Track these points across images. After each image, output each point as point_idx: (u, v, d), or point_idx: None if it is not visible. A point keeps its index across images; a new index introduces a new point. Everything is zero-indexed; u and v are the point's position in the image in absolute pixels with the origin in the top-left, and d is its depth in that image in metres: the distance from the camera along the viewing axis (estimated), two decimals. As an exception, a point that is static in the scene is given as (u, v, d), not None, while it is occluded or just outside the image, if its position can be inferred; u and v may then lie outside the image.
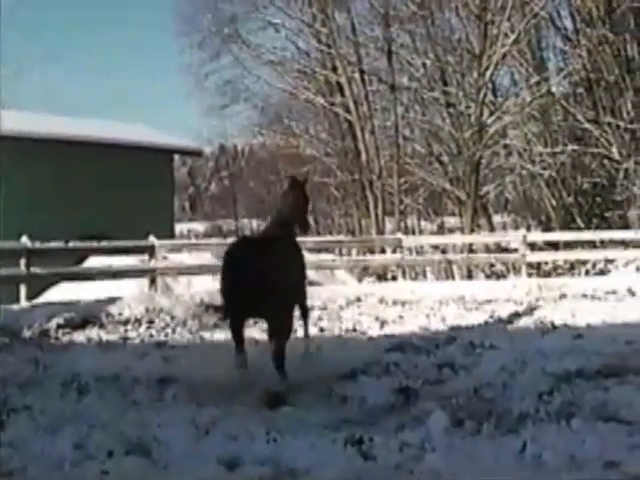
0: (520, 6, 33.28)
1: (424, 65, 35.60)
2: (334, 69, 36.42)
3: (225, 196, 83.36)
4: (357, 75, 36.18)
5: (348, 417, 7.29)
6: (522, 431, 6.41)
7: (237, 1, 37.77)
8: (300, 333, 9.88)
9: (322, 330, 12.94)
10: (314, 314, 13.71)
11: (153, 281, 18.75)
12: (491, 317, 14.31)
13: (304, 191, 10.33)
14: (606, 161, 33.32)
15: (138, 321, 14.88)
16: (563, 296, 18.32)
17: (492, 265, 29.08)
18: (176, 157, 40.97)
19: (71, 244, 18.18)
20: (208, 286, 16.53)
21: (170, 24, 73.47)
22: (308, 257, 15.51)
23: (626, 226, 30.75)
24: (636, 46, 34.03)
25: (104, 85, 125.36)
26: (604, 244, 26.83)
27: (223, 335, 12.55)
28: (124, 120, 39.55)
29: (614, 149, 32.14)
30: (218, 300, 16.57)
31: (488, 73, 32.30)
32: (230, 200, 79.33)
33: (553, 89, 35.14)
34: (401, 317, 14.26)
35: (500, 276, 27.93)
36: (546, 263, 28.11)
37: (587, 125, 32.84)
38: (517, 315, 14.39)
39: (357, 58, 36.34)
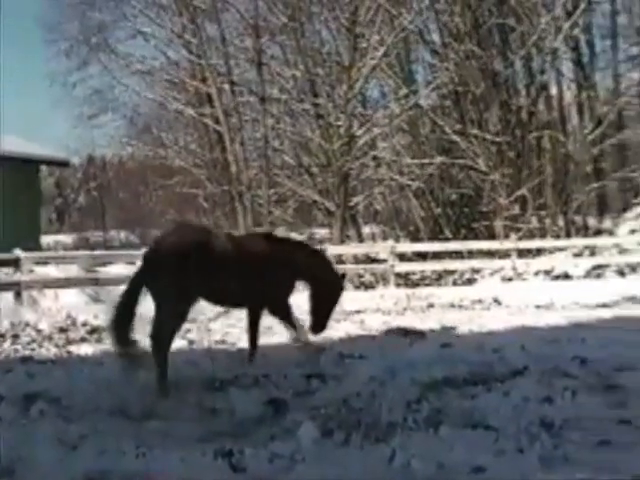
0: (389, 20, 33.81)
1: (294, 77, 35.72)
2: (204, 80, 36.26)
3: (93, 207, 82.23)
4: (227, 86, 36.09)
5: (218, 429, 7.21)
6: (391, 440, 6.43)
7: (105, 9, 37.45)
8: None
9: (191, 342, 12.80)
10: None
11: (18, 294, 18.30)
12: (360, 327, 14.38)
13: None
14: (473, 173, 34.02)
15: (2, 336, 14.44)
16: (431, 306, 18.58)
17: (361, 276, 29.30)
18: (43, 168, 40.20)
19: None
20: (75, 299, 16.22)
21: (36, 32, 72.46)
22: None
23: (492, 236, 31.44)
24: (501, 60, 34.88)
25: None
26: (471, 254, 27.39)
27: (91, 349, 12.34)
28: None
29: (481, 161, 32.83)
30: (86, 312, 16.25)
31: (358, 85, 32.64)
32: (99, 211, 78.27)
33: (421, 102, 35.72)
34: (270, 328, 14.18)
35: (369, 286, 28.16)
36: (414, 273, 28.54)
37: (454, 137, 33.48)
38: (386, 325, 14.48)
39: (227, 69, 36.24)
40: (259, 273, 10.00)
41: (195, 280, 9.13)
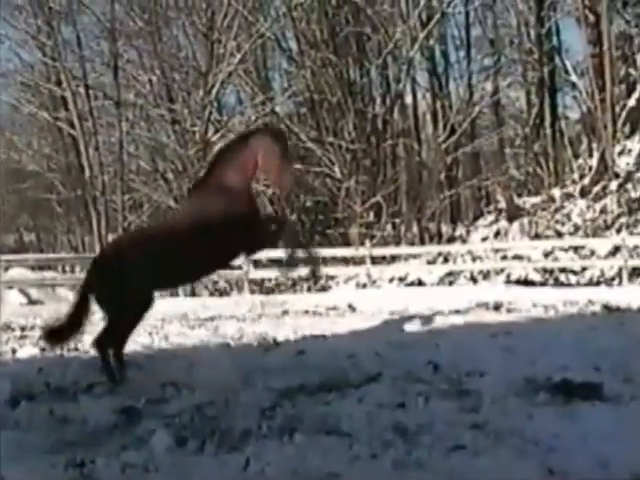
0: (246, 26, 33.89)
1: (150, 81, 35.46)
2: (59, 83, 35.65)
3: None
4: (82, 90, 35.57)
5: (69, 439, 7.02)
6: (245, 448, 6.39)
7: (-42, 9, 36.27)
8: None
9: (43, 350, 12.50)
10: (36, 334, 13.26)
11: None
12: (214, 334, 14.30)
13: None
14: (328, 180, 34.31)
15: None
16: (285, 312, 18.58)
17: (216, 282, 29.20)
18: None
19: None
20: None
21: None
22: (28, 275, 15.01)
23: (347, 243, 31.76)
24: (358, 69, 35.34)
25: None
26: (326, 261, 27.53)
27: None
28: None
29: (336, 168, 33.15)
30: None
31: (214, 91, 32.57)
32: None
33: (277, 109, 35.91)
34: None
35: (223, 293, 28.11)
36: (269, 280, 28.58)
37: (310, 144, 33.71)
38: (240, 332, 14.43)
39: (82, 72, 35.73)
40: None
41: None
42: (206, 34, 32.49)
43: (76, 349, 12.76)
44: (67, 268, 32.92)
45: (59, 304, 20.57)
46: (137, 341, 11.05)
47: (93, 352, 12.07)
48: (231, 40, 32.60)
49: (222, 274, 28.14)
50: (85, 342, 13.30)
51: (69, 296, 23.65)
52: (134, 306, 9.23)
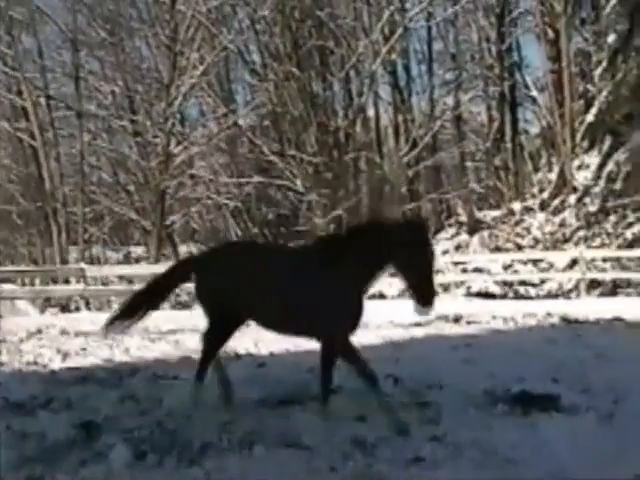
0: (210, 38, 33.81)
1: (113, 93, 35.33)
2: (19, 93, 35.32)
3: None
4: (43, 100, 35.31)
5: (28, 454, 7.00)
6: (205, 462, 6.42)
7: None
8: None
9: (1, 364, 12.41)
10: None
11: None
12: (175, 347, 14.25)
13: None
14: (290, 193, 34.30)
15: None
16: (247, 325, 18.51)
17: (177, 295, 29.08)
18: None
19: None
20: None
21: None
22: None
23: (309, 256, 31.70)
24: (320, 82, 35.40)
25: None
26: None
27: None
28: None
29: (298, 181, 33.15)
30: None
31: (176, 103, 32.44)
32: None
33: (240, 121, 35.85)
34: (84, 349, 13.89)
35: (185, 306, 27.96)
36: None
37: (272, 157, 33.71)
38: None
39: (44, 83, 35.48)
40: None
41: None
42: (169, 46, 32.39)
43: (35, 363, 12.69)
44: (27, 281, 32.65)
45: (18, 317, 20.48)
46: (97, 354, 10.99)
47: (52, 366, 12.04)
48: (194, 52, 32.52)
49: (184, 287, 28.09)
50: (45, 356, 13.29)
51: (29, 309, 23.51)
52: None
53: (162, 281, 9.11)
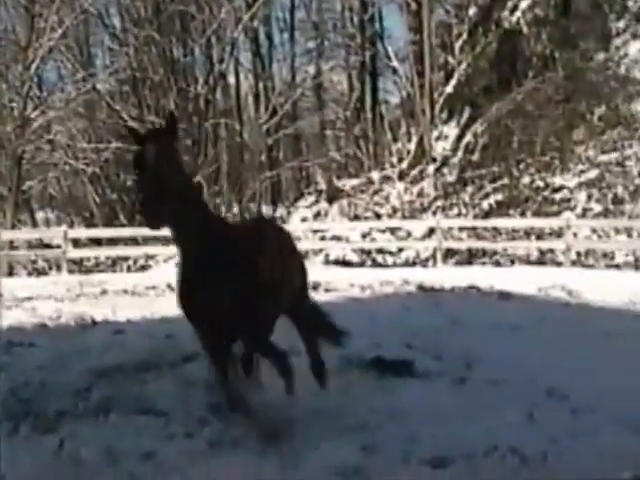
0: (69, 0, 33.06)
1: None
2: None
3: None
4: None
5: None
6: (60, 429, 6.38)
7: None
8: None
9: None
10: None
11: None
12: (32, 315, 14.02)
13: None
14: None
15: None
16: (104, 292, 18.34)
17: (34, 262, 28.61)
18: None
19: None
20: None
21: None
22: None
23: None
24: (181, 48, 35.12)
25: None
26: (145, 241, 27.24)
27: None
28: None
29: (157, 148, 32.86)
30: None
31: (34, 66, 31.70)
32: None
33: (99, 86, 35.28)
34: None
35: (42, 273, 27.54)
36: (88, 259, 28.18)
37: (131, 123, 33.26)
38: (58, 312, 14.18)
39: None
40: None
41: None
42: (27, 7, 31.58)
43: None
44: None
45: None
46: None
47: None
48: (53, 14, 31.72)
49: (40, 254, 27.58)
50: None
51: None
52: None
53: None
